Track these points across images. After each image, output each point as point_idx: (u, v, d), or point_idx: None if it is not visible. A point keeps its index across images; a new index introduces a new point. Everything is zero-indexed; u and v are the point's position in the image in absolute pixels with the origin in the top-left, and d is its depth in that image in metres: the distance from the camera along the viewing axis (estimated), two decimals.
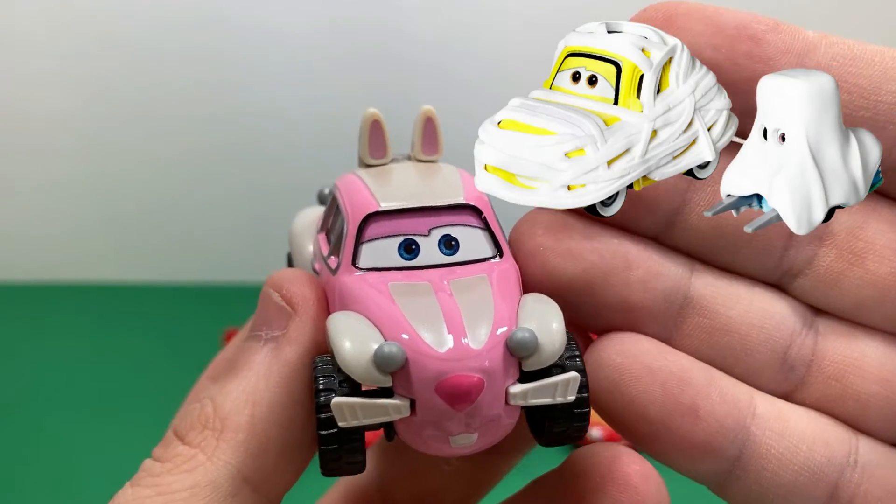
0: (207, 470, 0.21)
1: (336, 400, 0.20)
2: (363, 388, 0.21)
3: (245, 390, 0.22)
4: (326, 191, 0.29)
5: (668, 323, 0.24)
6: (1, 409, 0.69)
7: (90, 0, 0.78)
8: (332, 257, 0.24)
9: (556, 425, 0.22)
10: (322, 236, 0.26)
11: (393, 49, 0.78)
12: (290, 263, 0.30)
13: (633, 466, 0.23)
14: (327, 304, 0.23)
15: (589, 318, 0.23)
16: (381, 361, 0.20)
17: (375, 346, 0.20)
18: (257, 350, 0.23)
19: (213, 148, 0.84)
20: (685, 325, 0.24)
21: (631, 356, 0.23)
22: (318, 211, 0.30)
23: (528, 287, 0.23)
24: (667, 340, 0.24)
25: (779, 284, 0.25)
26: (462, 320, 0.21)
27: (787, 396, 0.24)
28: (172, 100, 0.82)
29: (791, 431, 0.23)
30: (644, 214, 0.23)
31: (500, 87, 0.82)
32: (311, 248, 0.28)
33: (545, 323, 0.21)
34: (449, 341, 0.20)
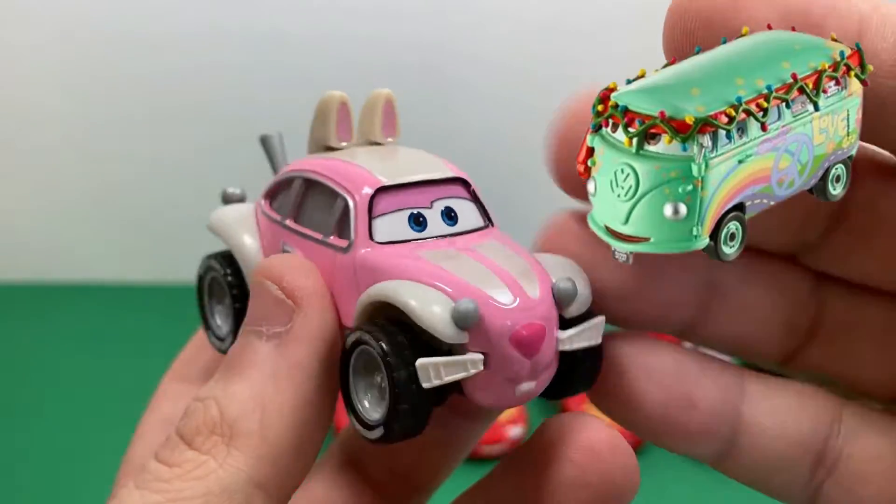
0: (220, 477, 0.20)
1: (421, 361, 0.21)
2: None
3: (252, 393, 0.21)
4: (230, 190, 0.29)
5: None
6: (0, 408, 0.69)
7: (91, 4, 0.78)
8: (333, 237, 0.24)
9: (579, 369, 0.23)
10: (290, 222, 0.25)
11: (394, 56, 0.79)
12: (230, 259, 0.29)
13: (599, 434, 0.23)
14: (330, 293, 0.23)
15: None
16: (459, 318, 0.21)
17: (452, 305, 0.21)
18: (259, 348, 0.22)
19: (214, 148, 0.84)
20: None
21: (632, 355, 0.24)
22: (237, 208, 0.29)
23: None
24: None
25: (793, 254, 0.25)
26: (513, 276, 0.22)
27: (787, 359, 0.26)
28: (173, 102, 0.82)
29: (779, 408, 0.24)
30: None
31: (497, 90, 0.82)
32: (248, 240, 0.27)
33: (575, 274, 0.23)
34: (512, 294, 0.21)
